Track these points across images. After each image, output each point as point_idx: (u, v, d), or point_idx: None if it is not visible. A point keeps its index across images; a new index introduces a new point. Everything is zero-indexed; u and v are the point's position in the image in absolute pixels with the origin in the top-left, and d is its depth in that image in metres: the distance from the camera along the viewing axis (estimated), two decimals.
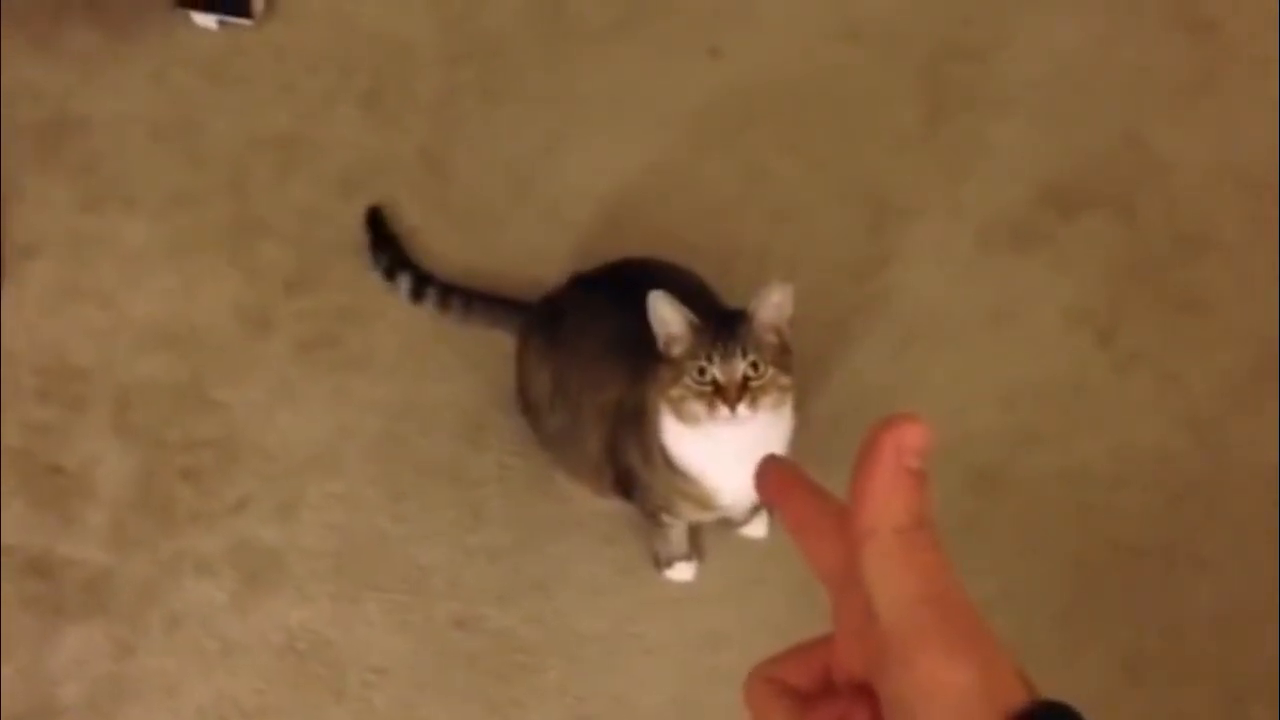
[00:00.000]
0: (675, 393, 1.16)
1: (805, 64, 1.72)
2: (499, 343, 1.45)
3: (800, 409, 1.23)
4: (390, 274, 1.51)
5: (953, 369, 1.52)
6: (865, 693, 0.45)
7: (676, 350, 1.17)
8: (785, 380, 1.17)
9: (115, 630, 1.38)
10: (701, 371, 1.15)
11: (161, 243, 1.60)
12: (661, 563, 1.39)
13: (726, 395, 1.14)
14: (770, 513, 1.40)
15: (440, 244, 1.59)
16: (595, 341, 1.30)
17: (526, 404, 1.39)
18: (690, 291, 1.35)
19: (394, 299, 1.52)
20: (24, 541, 1.42)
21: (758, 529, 1.40)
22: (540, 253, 1.57)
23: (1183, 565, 1.41)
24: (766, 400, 1.16)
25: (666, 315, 1.17)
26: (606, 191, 1.63)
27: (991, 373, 1.52)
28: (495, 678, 1.36)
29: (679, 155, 1.66)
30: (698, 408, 1.15)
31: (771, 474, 0.49)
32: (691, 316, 1.16)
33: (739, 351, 1.14)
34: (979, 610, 0.44)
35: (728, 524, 1.38)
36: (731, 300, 1.37)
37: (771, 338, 1.17)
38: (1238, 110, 1.68)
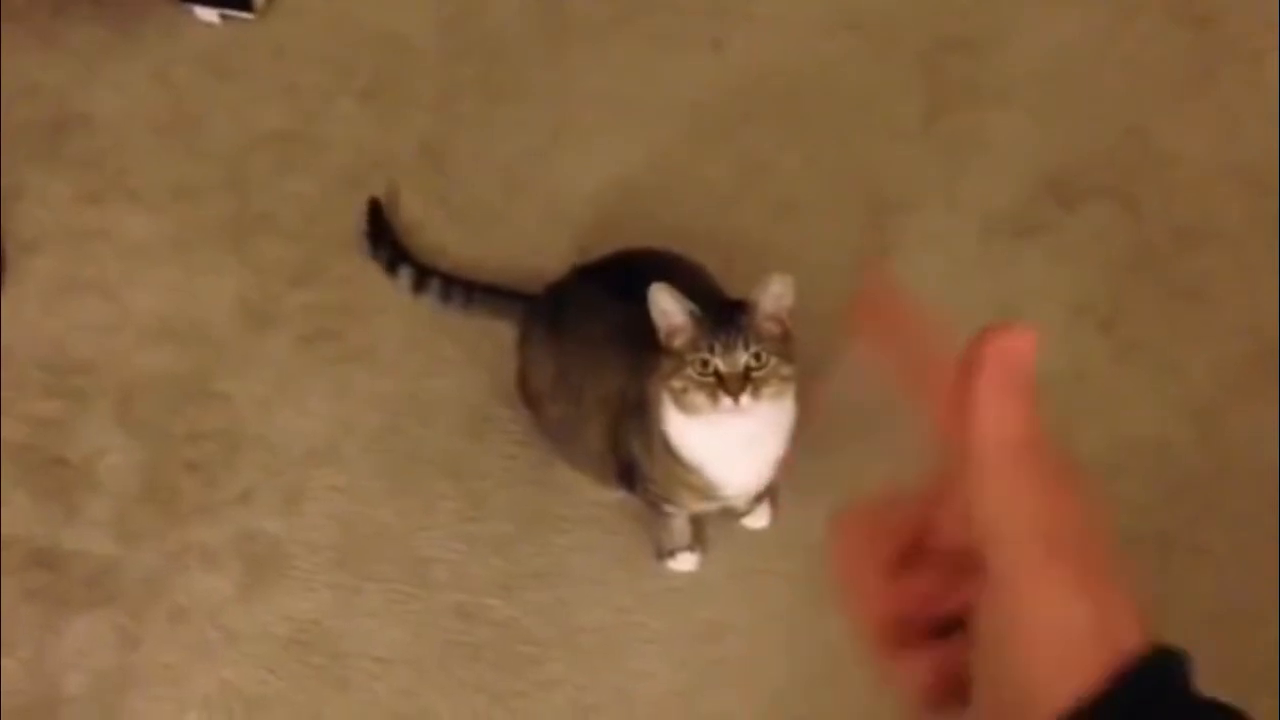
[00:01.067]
0: (677, 384, 1.17)
1: (805, 57, 1.72)
2: (501, 335, 1.45)
3: (801, 401, 1.23)
4: (392, 267, 1.51)
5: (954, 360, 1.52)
6: (961, 570, 0.41)
7: (678, 341, 1.17)
8: (787, 370, 1.17)
9: (119, 621, 1.38)
10: (704, 363, 1.15)
11: (164, 237, 1.61)
12: (663, 553, 1.39)
13: (729, 386, 1.14)
14: (773, 502, 1.40)
15: (441, 238, 1.59)
16: (597, 331, 1.30)
17: (528, 395, 1.39)
18: (693, 281, 1.35)
19: (395, 292, 1.53)
20: (28, 533, 1.43)
21: (760, 520, 1.41)
22: (541, 247, 1.57)
23: (1182, 556, 1.41)
24: (769, 390, 1.16)
25: (667, 307, 1.17)
26: (606, 185, 1.63)
27: None
28: (498, 668, 1.36)
29: (679, 149, 1.66)
30: (700, 399, 1.16)
31: (878, 301, 0.43)
32: (692, 307, 1.17)
33: (741, 343, 1.15)
34: (1104, 538, 0.40)
35: (730, 514, 1.38)
36: (733, 292, 1.37)
37: (773, 327, 1.17)
38: (1238, 102, 1.68)
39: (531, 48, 1.73)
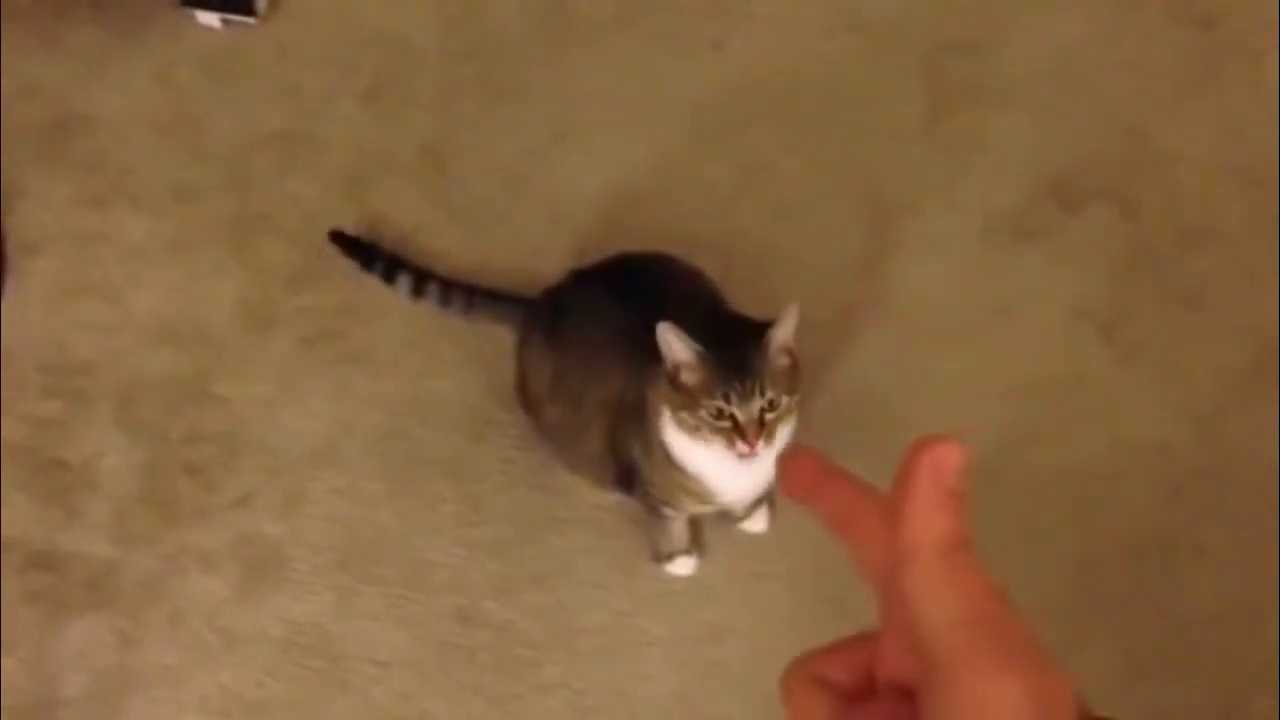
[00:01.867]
0: (689, 420, 1.16)
1: (806, 58, 1.72)
2: (500, 338, 1.45)
3: (801, 407, 1.23)
4: (389, 277, 1.51)
5: (954, 364, 1.52)
6: (909, 696, 0.44)
7: (686, 378, 1.15)
8: (794, 403, 1.17)
9: (119, 623, 1.39)
10: (719, 411, 1.14)
11: (164, 239, 1.61)
12: (662, 556, 1.39)
13: (745, 433, 1.14)
14: (771, 506, 1.40)
15: (441, 240, 1.59)
16: (596, 336, 1.30)
17: (527, 398, 1.39)
18: (691, 284, 1.36)
19: (396, 295, 1.53)
20: (28, 535, 1.43)
21: (758, 524, 1.40)
22: (541, 248, 1.57)
23: (1184, 558, 1.41)
24: (783, 430, 1.16)
25: (675, 346, 1.15)
26: (607, 187, 1.63)
27: (993, 368, 1.52)
28: (497, 671, 1.36)
29: (679, 150, 1.66)
30: (715, 440, 1.15)
31: (800, 470, 0.47)
32: (700, 349, 1.14)
33: (757, 389, 1.14)
34: (1029, 627, 0.42)
35: (728, 518, 1.38)
36: (733, 294, 1.37)
37: (784, 361, 1.16)
38: (1239, 104, 1.68)
39: (532, 49, 1.73)
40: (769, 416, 1.14)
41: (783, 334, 1.16)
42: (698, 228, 1.58)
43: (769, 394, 1.14)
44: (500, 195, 1.63)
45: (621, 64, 1.71)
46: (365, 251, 1.53)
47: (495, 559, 1.41)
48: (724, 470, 1.21)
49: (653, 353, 1.19)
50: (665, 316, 1.15)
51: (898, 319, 1.55)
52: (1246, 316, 1.54)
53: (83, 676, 1.36)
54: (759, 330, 1.16)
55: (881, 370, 1.52)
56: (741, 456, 1.15)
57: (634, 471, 1.29)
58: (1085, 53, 1.72)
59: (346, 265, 1.56)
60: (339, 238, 1.55)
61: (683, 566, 1.39)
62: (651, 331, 1.17)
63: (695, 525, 1.38)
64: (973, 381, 1.51)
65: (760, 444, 1.14)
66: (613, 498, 1.38)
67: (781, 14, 1.74)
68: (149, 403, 1.50)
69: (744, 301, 1.37)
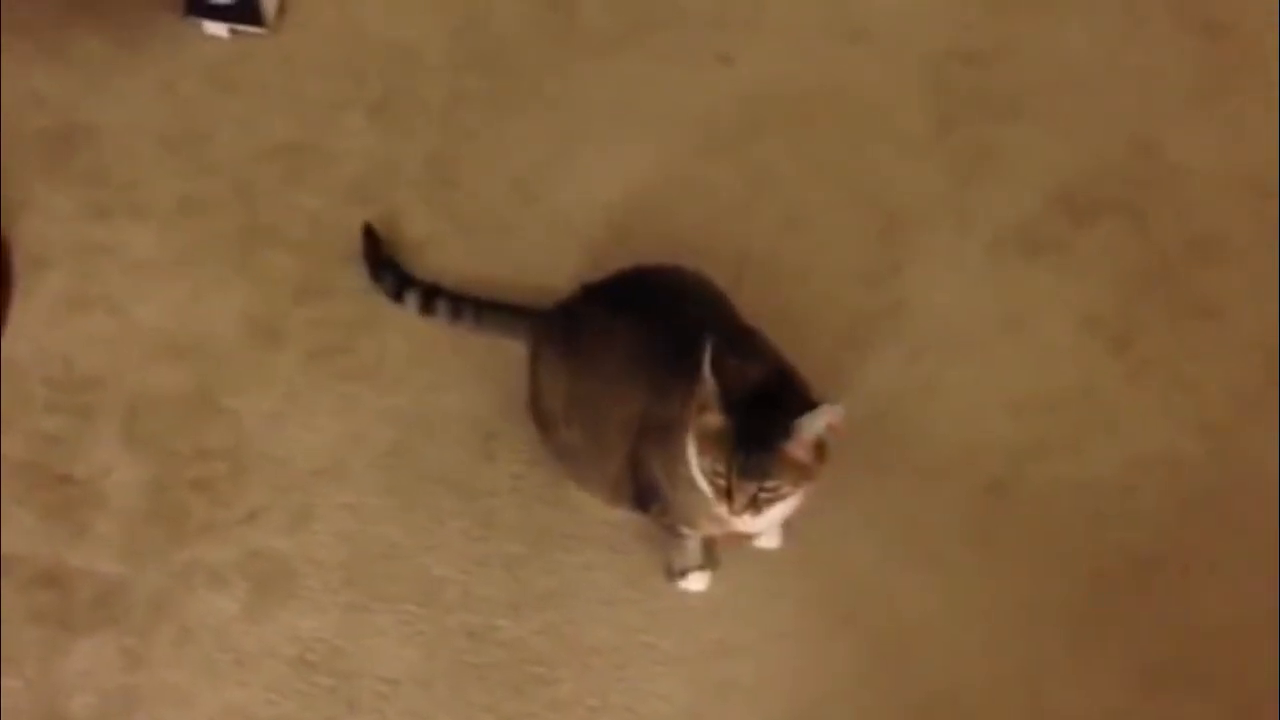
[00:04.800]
0: (697, 460, 1.16)
1: (814, 70, 1.71)
2: (510, 351, 1.45)
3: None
4: (398, 295, 1.50)
5: (964, 377, 1.52)
6: None
7: (708, 419, 1.14)
8: (798, 494, 1.16)
9: (126, 641, 1.38)
10: (716, 472, 1.14)
11: (170, 252, 1.60)
12: (675, 573, 1.39)
13: (733, 501, 1.14)
14: (785, 523, 1.39)
15: (449, 252, 1.58)
16: (614, 356, 1.29)
17: (540, 417, 1.38)
18: (704, 298, 1.35)
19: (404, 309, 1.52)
20: (34, 552, 1.42)
21: (771, 540, 1.40)
22: (550, 260, 1.56)
23: (1196, 573, 1.40)
24: (774, 511, 1.16)
25: (710, 392, 1.13)
26: (616, 199, 1.62)
27: (1003, 381, 1.52)
28: (507, 689, 1.35)
29: (688, 162, 1.65)
30: (708, 491, 1.16)
31: None
32: (727, 410, 1.12)
33: (760, 474, 1.13)
34: None
35: (742, 535, 1.37)
36: (744, 306, 1.36)
37: (802, 455, 1.14)
38: (1249, 114, 1.68)
39: (540, 60, 1.72)
40: (763, 497, 1.14)
41: (813, 427, 1.13)
42: (707, 238, 1.58)
43: (773, 483, 1.14)
44: (508, 207, 1.63)
45: (630, 75, 1.71)
46: (383, 264, 1.52)
47: (505, 575, 1.41)
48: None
49: (676, 372, 1.18)
50: (685, 336, 1.15)
51: (907, 331, 1.54)
52: (1258, 330, 1.53)
53: (89, 697, 1.35)
54: (797, 406, 1.13)
55: (891, 382, 1.51)
56: (723, 513, 1.15)
57: (653, 492, 1.28)
58: (1094, 64, 1.72)
59: (354, 278, 1.56)
60: (368, 237, 1.54)
61: (696, 582, 1.39)
62: (670, 353, 1.16)
63: (709, 541, 1.37)
64: (983, 394, 1.51)
65: (746, 516, 1.14)
66: (623, 513, 1.37)
67: (789, 25, 1.74)
68: (155, 418, 1.49)
69: (754, 313, 1.37)
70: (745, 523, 1.17)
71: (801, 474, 1.15)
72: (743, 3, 1.76)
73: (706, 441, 1.15)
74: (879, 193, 1.63)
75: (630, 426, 1.28)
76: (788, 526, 1.37)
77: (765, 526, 1.28)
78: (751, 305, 1.39)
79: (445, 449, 1.47)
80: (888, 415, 1.49)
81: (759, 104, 1.69)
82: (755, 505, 1.15)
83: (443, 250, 1.58)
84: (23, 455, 1.47)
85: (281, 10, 1.75)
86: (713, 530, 1.29)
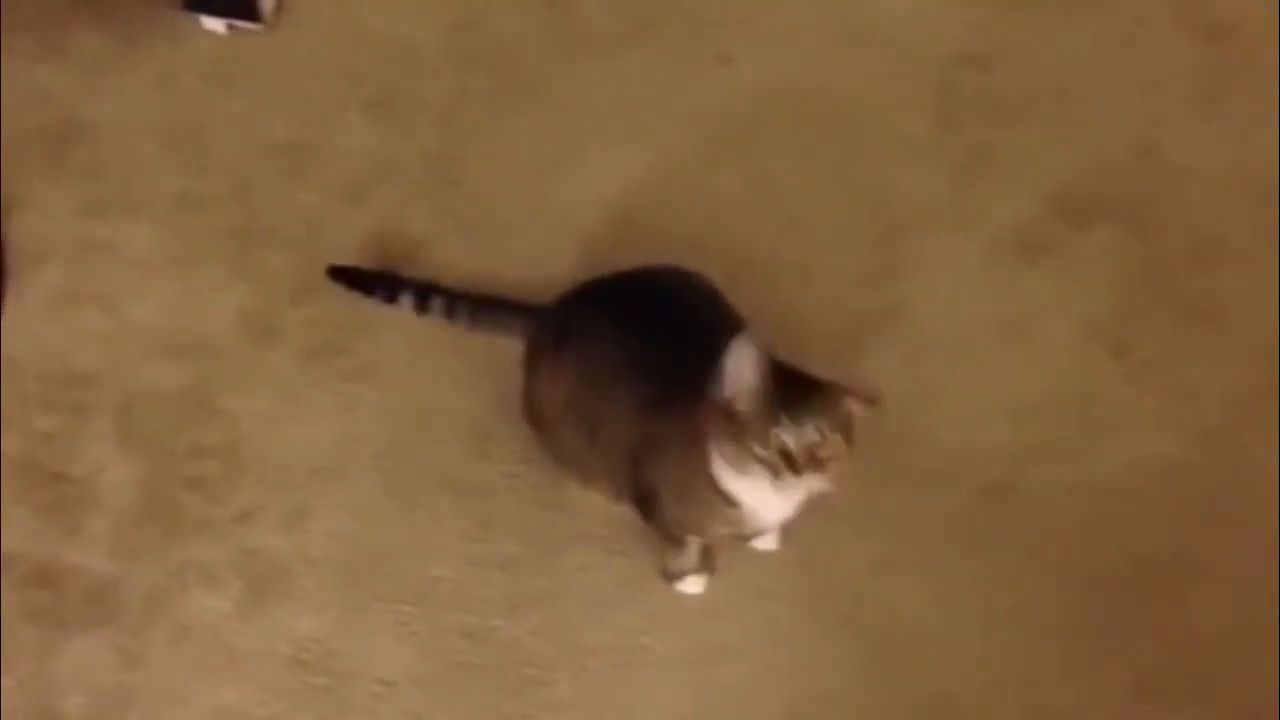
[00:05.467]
0: (735, 451, 1.14)
1: (815, 71, 1.71)
2: (507, 351, 1.44)
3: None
4: (391, 298, 1.50)
5: (964, 381, 1.51)
6: None
7: (744, 406, 1.14)
8: (843, 458, 1.16)
9: (120, 640, 1.37)
10: (773, 439, 1.13)
11: (167, 249, 1.59)
12: (672, 575, 1.38)
13: (794, 463, 1.13)
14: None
15: (449, 251, 1.58)
16: (614, 360, 1.28)
17: (535, 417, 1.38)
18: (705, 301, 1.34)
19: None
20: (28, 550, 1.42)
21: (769, 542, 1.39)
22: (549, 260, 1.56)
23: (1194, 579, 1.40)
24: (833, 470, 1.15)
25: (745, 370, 1.13)
26: (615, 199, 1.62)
27: (1003, 384, 1.51)
28: (503, 690, 1.35)
29: (688, 162, 1.65)
30: (760, 471, 1.14)
31: None
32: (769, 379, 1.12)
33: (815, 415, 1.13)
34: None
35: (743, 536, 1.37)
36: (743, 307, 1.36)
37: (845, 411, 1.15)
38: (1250, 118, 1.67)
39: (541, 59, 1.72)
40: (822, 453, 1.13)
41: (848, 407, 1.14)
42: (707, 239, 1.57)
43: (828, 423, 1.13)
44: (509, 206, 1.62)
45: (631, 75, 1.70)
46: (363, 281, 1.51)
47: (502, 576, 1.40)
48: (769, 498, 1.19)
49: (677, 379, 1.17)
50: (682, 339, 1.14)
51: (906, 333, 1.54)
52: (1259, 334, 1.53)
53: (83, 696, 1.35)
54: (828, 386, 1.15)
55: (889, 385, 1.50)
56: (784, 486, 1.14)
57: (653, 497, 1.27)
58: (1095, 67, 1.71)
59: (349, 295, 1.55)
60: (338, 274, 1.52)
61: (693, 585, 1.38)
62: (672, 357, 1.15)
63: (709, 546, 1.37)
64: (982, 397, 1.50)
65: (808, 474, 1.13)
66: (622, 510, 1.37)
67: (791, 26, 1.74)
68: (151, 416, 1.49)
69: (753, 314, 1.36)
70: (783, 503, 1.14)
71: (846, 428, 1.14)
72: (743, 2, 1.76)
73: (748, 424, 1.13)
74: (879, 194, 1.63)
75: (629, 431, 1.27)
76: (785, 530, 1.37)
77: (782, 521, 1.26)
78: (750, 305, 1.38)
79: (442, 449, 1.46)
80: (886, 417, 1.48)
81: (760, 104, 1.68)
82: (816, 461, 1.13)
83: (442, 249, 1.58)
84: (17, 452, 1.47)
85: (280, 6, 1.74)
86: (723, 533, 1.28)
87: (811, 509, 1.24)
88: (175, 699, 1.35)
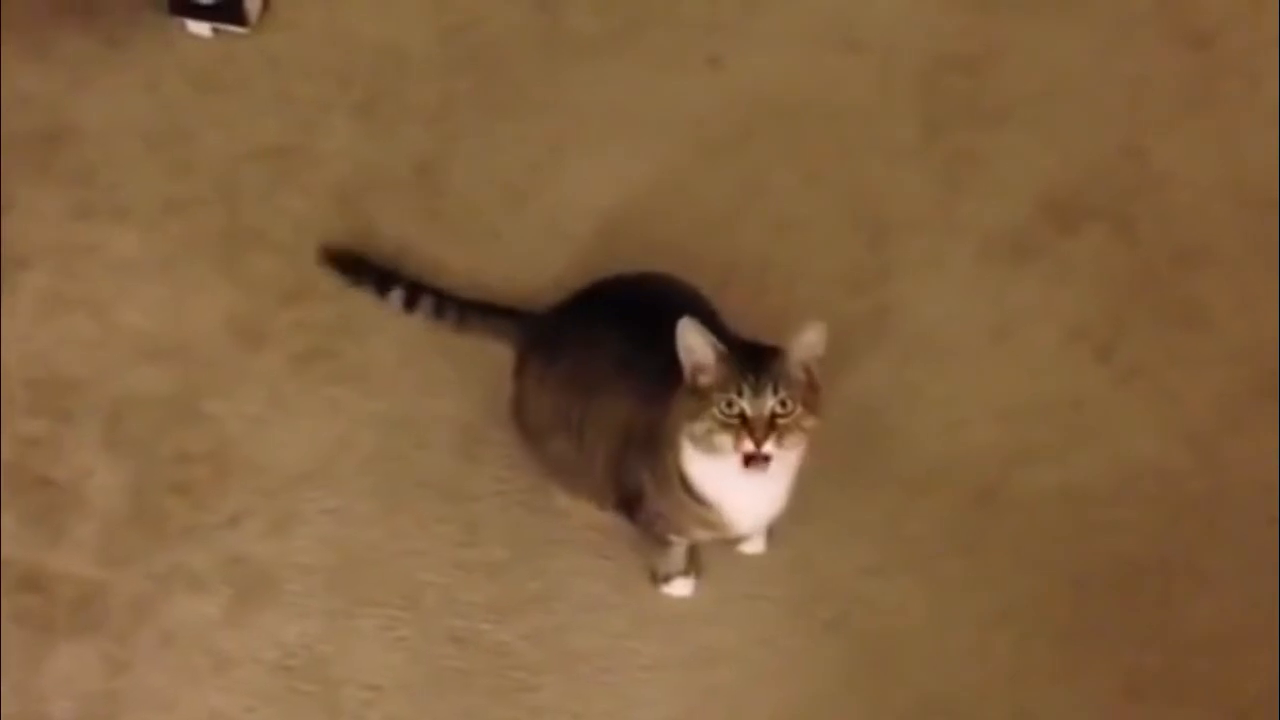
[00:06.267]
0: (699, 427, 1.16)
1: (803, 76, 1.71)
2: (496, 356, 1.44)
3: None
4: (382, 291, 1.49)
5: (951, 384, 1.52)
6: None
7: (703, 380, 1.16)
8: (810, 422, 1.17)
9: (107, 646, 1.36)
10: (730, 404, 1.14)
11: (153, 253, 1.59)
12: (659, 578, 1.38)
13: (754, 431, 1.13)
14: (768, 527, 1.39)
15: (436, 256, 1.57)
16: (600, 364, 1.29)
17: (525, 429, 1.37)
18: (691, 307, 1.34)
19: (389, 311, 1.51)
20: (15, 556, 1.41)
21: (756, 545, 1.39)
22: (538, 265, 1.56)
23: (1182, 582, 1.40)
24: (792, 439, 1.15)
25: (695, 344, 1.16)
26: (604, 203, 1.62)
27: (990, 388, 1.52)
28: (492, 695, 1.35)
29: (678, 166, 1.65)
30: (724, 441, 1.15)
31: None
32: (720, 346, 1.15)
33: (770, 387, 1.14)
34: None
35: (727, 540, 1.37)
36: (730, 312, 1.36)
37: (801, 375, 1.16)
38: (1237, 123, 1.68)
39: (530, 63, 1.72)
40: (781, 420, 1.14)
41: (801, 348, 1.16)
42: (695, 243, 1.57)
43: (781, 394, 1.14)
44: (497, 210, 1.62)
45: (620, 79, 1.70)
46: (356, 267, 1.51)
47: (490, 580, 1.40)
48: (738, 494, 1.20)
49: (661, 381, 1.17)
50: (670, 345, 1.14)
51: (895, 337, 1.54)
52: (1245, 339, 1.54)
53: (70, 702, 1.34)
54: (779, 348, 1.17)
55: (878, 389, 1.51)
56: (749, 460, 1.14)
57: (640, 500, 1.27)
58: (1082, 72, 1.72)
59: (338, 280, 1.55)
60: (330, 255, 1.52)
61: (681, 588, 1.38)
62: (657, 361, 1.15)
63: (694, 547, 1.37)
64: (970, 401, 1.51)
65: (769, 444, 1.13)
66: (610, 517, 1.37)
67: (780, 31, 1.74)
68: (137, 420, 1.48)
69: (743, 318, 1.36)
70: (766, 463, 1.14)
71: (806, 395, 1.15)
72: (733, 6, 1.76)
73: (710, 394, 1.14)
74: (867, 199, 1.63)
75: (615, 434, 1.27)
76: (772, 533, 1.37)
77: (758, 521, 1.27)
78: (739, 310, 1.38)
79: (430, 453, 1.46)
80: (874, 421, 1.48)
81: (749, 109, 1.69)
82: (776, 431, 1.13)
83: (430, 254, 1.57)
84: (4, 458, 1.46)
85: (266, 9, 1.74)
86: (701, 535, 1.28)
87: (794, 511, 1.24)
88: (162, 705, 1.34)
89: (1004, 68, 1.71)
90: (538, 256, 1.57)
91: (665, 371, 1.19)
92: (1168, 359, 1.53)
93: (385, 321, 1.52)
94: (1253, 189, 1.63)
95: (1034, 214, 1.62)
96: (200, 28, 1.72)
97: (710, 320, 1.33)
